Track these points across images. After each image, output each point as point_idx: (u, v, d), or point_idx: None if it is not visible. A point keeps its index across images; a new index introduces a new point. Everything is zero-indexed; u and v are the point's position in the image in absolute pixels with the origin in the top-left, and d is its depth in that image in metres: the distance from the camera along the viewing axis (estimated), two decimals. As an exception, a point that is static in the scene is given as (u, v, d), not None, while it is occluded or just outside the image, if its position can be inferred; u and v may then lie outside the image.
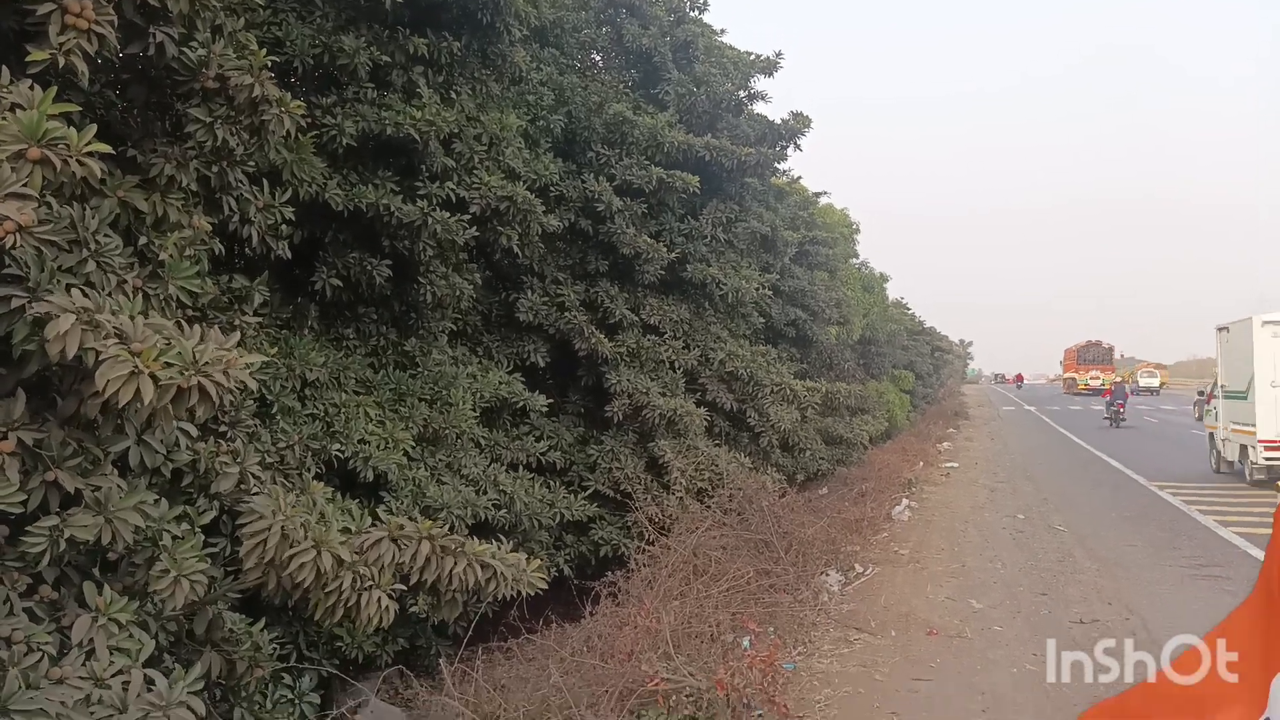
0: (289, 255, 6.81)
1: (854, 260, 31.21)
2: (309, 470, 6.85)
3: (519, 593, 5.60)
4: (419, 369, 9.32)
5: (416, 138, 8.40)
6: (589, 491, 11.19)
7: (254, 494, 4.98)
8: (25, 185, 3.63)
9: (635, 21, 14.19)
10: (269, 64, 5.53)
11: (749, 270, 14.61)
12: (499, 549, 5.38)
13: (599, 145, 12.52)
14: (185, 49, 5.14)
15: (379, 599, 4.78)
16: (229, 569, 5.24)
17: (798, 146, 15.65)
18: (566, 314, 11.61)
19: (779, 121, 15.44)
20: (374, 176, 8.51)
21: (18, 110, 3.87)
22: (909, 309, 46.08)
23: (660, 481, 11.74)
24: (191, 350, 3.89)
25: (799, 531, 11.72)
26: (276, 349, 7.33)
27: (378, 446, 7.90)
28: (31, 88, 4.04)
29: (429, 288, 9.10)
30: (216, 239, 5.82)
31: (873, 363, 29.58)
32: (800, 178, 23.23)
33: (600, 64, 15.06)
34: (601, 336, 11.75)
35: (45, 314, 3.73)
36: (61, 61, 4.25)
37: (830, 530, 12.87)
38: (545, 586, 5.67)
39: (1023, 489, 21.64)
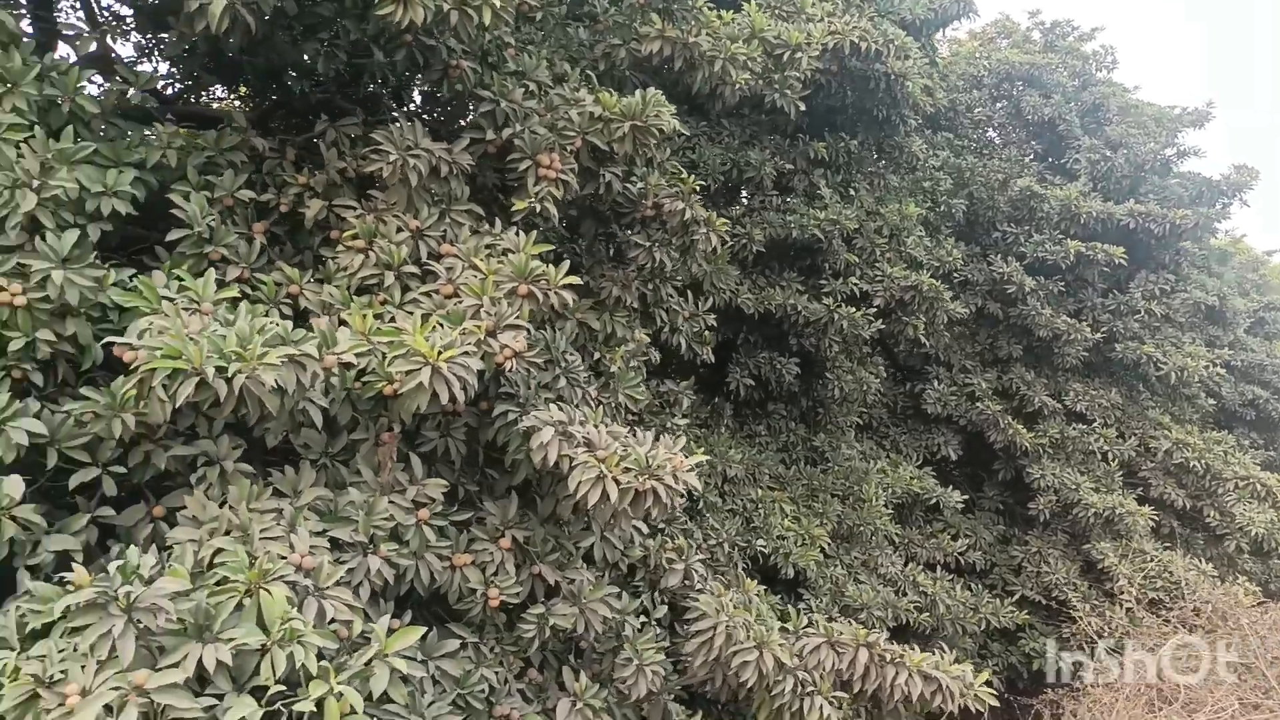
0: (712, 359, 7.23)
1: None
2: (738, 566, 7.07)
3: (962, 708, 5.22)
4: (829, 464, 9.34)
5: (820, 237, 8.63)
6: (1015, 596, 10.26)
7: (697, 590, 5.21)
8: (518, 317, 4.25)
9: (1034, 92, 13.48)
10: (696, 188, 6.03)
11: (1193, 346, 12.79)
12: (941, 659, 5.06)
13: (1004, 224, 11.92)
14: (628, 184, 5.79)
15: (821, 706, 4.71)
16: (675, 662, 5.49)
17: (1244, 202, 13.59)
18: (978, 404, 10.98)
19: (1217, 178, 13.54)
20: (780, 279, 8.85)
21: (509, 254, 4.58)
22: None
23: (1101, 589, 10.44)
24: (645, 456, 4.22)
25: (1291, 657, 9.64)
26: (701, 448, 7.75)
27: (795, 543, 7.96)
28: (517, 233, 4.78)
29: (835, 383, 9.20)
30: (654, 349, 6.37)
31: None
32: (1244, 236, 20.13)
33: (997, 140, 14.45)
34: (1019, 427, 10.91)
35: (531, 427, 4.30)
36: (537, 207, 4.99)
37: (1335, 657, 10.42)
38: (996, 703, 5.21)
39: None
